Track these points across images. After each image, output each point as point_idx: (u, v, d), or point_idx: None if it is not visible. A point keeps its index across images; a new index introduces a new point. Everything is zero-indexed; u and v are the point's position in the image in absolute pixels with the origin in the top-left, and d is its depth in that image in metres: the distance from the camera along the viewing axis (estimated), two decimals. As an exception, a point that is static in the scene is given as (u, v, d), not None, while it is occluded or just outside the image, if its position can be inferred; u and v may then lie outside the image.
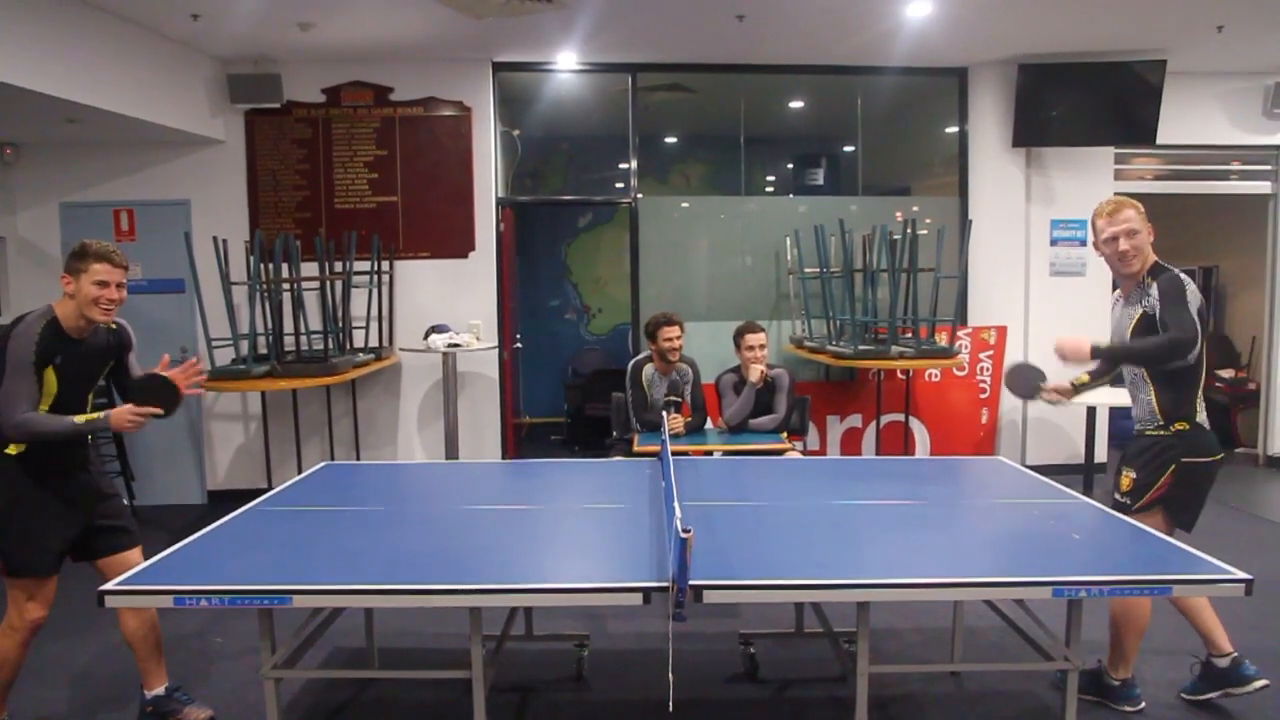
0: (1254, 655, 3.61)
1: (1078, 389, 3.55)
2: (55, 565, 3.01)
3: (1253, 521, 5.85)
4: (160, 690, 3.29)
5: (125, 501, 3.31)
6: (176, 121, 5.80)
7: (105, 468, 3.21)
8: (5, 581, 2.99)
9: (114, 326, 3.18)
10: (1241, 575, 2.35)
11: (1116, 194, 6.85)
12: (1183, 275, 3.07)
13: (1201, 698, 3.28)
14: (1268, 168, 7.31)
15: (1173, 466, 3.10)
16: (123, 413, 2.99)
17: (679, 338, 5.10)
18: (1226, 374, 7.86)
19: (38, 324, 2.92)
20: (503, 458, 6.76)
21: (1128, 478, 3.18)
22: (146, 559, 2.68)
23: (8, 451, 2.91)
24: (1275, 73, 6.91)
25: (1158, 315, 3.03)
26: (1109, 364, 3.39)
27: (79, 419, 2.93)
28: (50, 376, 2.95)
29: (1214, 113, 7.07)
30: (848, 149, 7.87)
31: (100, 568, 3.09)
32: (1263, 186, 7.33)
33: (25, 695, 3.39)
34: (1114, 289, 3.38)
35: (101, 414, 2.99)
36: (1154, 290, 3.07)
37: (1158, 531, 2.88)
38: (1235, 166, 7.33)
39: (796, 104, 8.05)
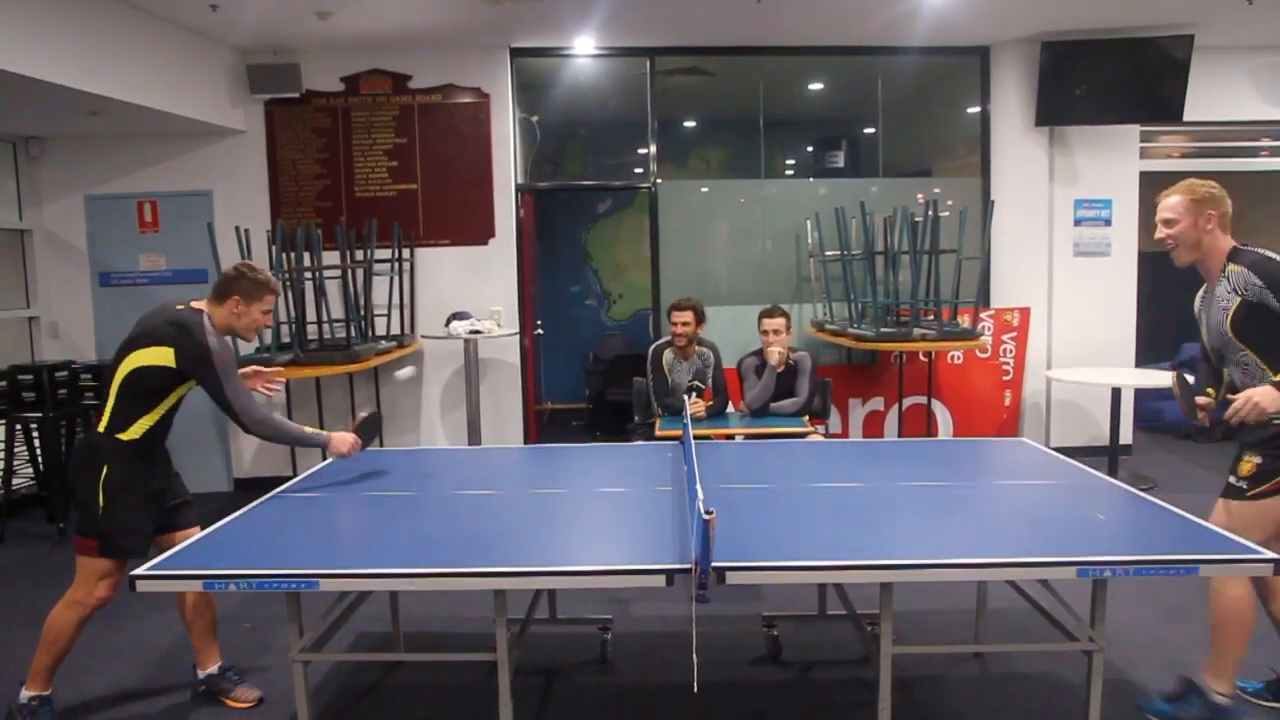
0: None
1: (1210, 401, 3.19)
2: (148, 547, 3.08)
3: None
4: (214, 669, 3.41)
5: None
6: (197, 112, 5.84)
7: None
8: (82, 560, 3.07)
9: None
10: (1269, 555, 2.33)
11: (1143, 173, 6.85)
12: (1271, 255, 2.86)
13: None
14: (1297, 143, 7.19)
15: None
16: (346, 439, 3.36)
17: (686, 324, 5.06)
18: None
19: (215, 332, 3.11)
20: (525, 443, 6.79)
21: (1250, 463, 2.91)
22: (175, 545, 2.72)
23: (120, 437, 3.03)
24: (1305, 46, 6.79)
25: (1275, 305, 2.77)
26: None
27: (308, 429, 3.30)
28: (182, 388, 3.16)
29: (1243, 88, 6.95)
30: (868, 131, 7.80)
31: (169, 542, 3.12)
32: (1293, 163, 7.22)
33: (63, 678, 3.44)
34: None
35: (325, 433, 3.33)
36: (1246, 278, 2.83)
37: (1265, 523, 2.81)
38: (1265, 143, 7.21)
39: (816, 86, 7.99)
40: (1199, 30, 6.26)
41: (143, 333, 3.06)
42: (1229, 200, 3.00)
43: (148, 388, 3.06)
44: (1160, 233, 3.05)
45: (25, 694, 3.13)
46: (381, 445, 5.62)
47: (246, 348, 5.78)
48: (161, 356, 3.02)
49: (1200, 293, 3.12)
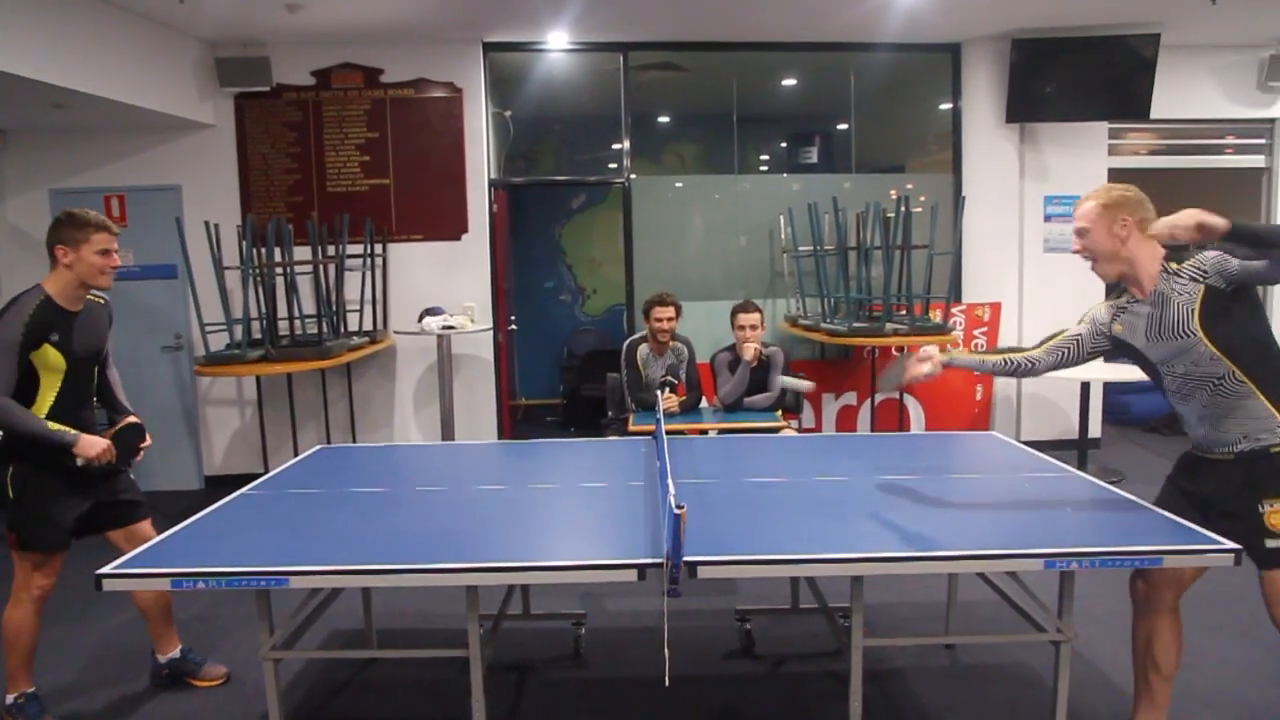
0: (1243, 626, 3.66)
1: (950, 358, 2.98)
2: (66, 540, 3.09)
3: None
4: (175, 653, 3.47)
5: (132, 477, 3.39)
6: (165, 106, 5.76)
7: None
8: (14, 555, 3.06)
9: (103, 301, 3.27)
10: (1231, 545, 2.37)
11: (1111, 170, 6.94)
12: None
13: None
14: (1262, 141, 7.30)
15: None
16: (97, 444, 3.02)
17: (670, 320, 5.09)
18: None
19: (30, 304, 2.97)
20: (499, 439, 6.77)
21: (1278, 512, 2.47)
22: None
23: None
24: (1270, 45, 6.89)
25: (1239, 267, 2.41)
26: (1249, 244, 2.38)
27: (53, 426, 2.97)
28: (52, 353, 3.00)
29: (1208, 86, 7.05)
30: (841, 126, 7.84)
31: (112, 539, 3.19)
32: (1257, 160, 7.33)
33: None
34: (1109, 295, 2.83)
35: (74, 433, 3.00)
36: (1203, 261, 2.50)
37: None
38: (1230, 141, 7.32)
39: (789, 82, 8.02)
40: (1165, 29, 6.34)
41: None
42: (1149, 204, 2.64)
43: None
44: (1075, 245, 2.72)
45: (10, 696, 3.12)
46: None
47: (217, 342, 5.73)
48: None
49: (1108, 307, 2.79)
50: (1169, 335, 2.57)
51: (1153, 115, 6.60)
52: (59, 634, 3.90)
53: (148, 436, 3.33)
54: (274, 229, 5.70)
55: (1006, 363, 2.92)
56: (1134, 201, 2.64)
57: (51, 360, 3.01)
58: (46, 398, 3.05)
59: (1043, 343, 2.91)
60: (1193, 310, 2.51)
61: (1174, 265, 2.57)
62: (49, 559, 3.07)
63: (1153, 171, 7.40)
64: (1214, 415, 2.56)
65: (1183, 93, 6.93)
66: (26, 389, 3.00)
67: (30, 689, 3.15)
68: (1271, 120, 7.18)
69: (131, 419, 3.30)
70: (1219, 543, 2.39)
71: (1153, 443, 7.36)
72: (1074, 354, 2.84)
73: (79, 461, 2.99)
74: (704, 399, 5.33)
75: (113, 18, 5.25)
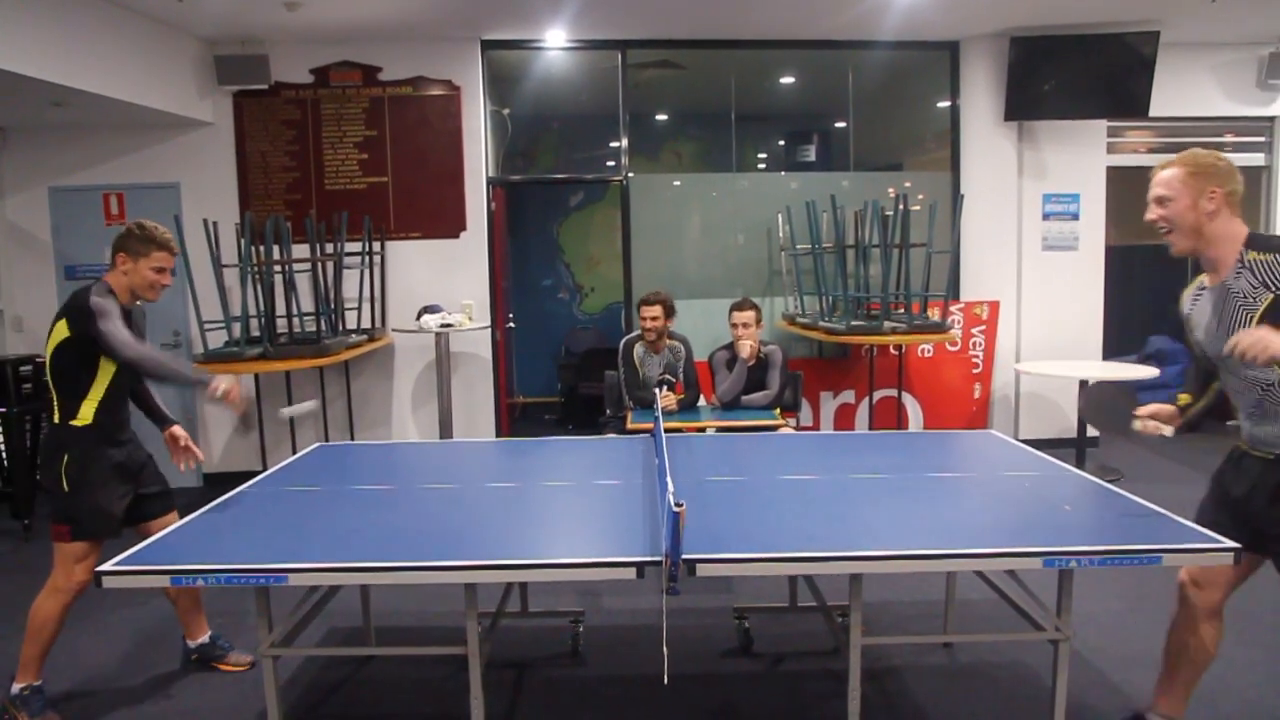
0: (1242, 624, 3.66)
1: (1185, 411, 2.72)
2: (119, 528, 3.20)
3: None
4: (204, 639, 3.61)
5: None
6: (164, 104, 5.76)
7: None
8: (58, 547, 3.14)
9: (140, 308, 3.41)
10: (1230, 544, 2.37)
11: (1110, 168, 6.94)
12: None
13: None
14: (1261, 139, 7.30)
15: None
16: (228, 377, 3.20)
17: (655, 319, 5.08)
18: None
19: (107, 290, 3.15)
20: (496, 437, 6.77)
21: None
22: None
23: (74, 424, 3.12)
24: (1269, 43, 6.89)
25: None
26: None
27: (194, 367, 3.08)
28: None
29: (1207, 84, 7.05)
30: (839, 125, 7.84)
31: (146, 530, 3.25)
32: (1256, 158, 7.33)
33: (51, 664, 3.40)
34: (1194, 274, 2.63)
35: (210, 374, 3.20)
36: (1275, 271, 2.36)
37: None
38: (1229, 139, 7.33)
39: (787, 80, 8.02)
40: (1164, 27, 6.34)
41: (54, 318, 3.14)
42: (1239, 176, 2.48)
43: (69, 368, 3.12)
44: (1152, 213, 2.52)
45: (16, 686, 3.16)
46: (353, 440, 5.59)
47: (216, 340, 5.73)
48: (60, 332, 3.09)
49: (1193, 289, 2.65)
50: (1224, 334, 2.41)
51: (1152, 113, 6.61)
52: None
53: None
54: (272, 227, 5.70)
55: (1217, 394, 2.71)
56: (1224, 172, 2.46)
57: (106, 362, 3.15)
58: (100, 388, 3.16)
59: (1196, 365, 2.73)
60: (1252, 316, 2.37)
61: (1252, 255, 2.39)
62: (94, 550, 3.14)
63: (1152, 169, 7.40)
64: (1260, 415, 2.49)
65: (1182, 90, 6.93)
66: (83, 376, 3.13)
67: (38, 682, 3.18)
68: (1271, 118, 7.18)
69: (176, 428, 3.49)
70: (1219, 541, 2.40)
71: (1151, 442, 7.31)
72: (1203, 356, 2.65)
73: (219, 391, 3.14)
74: (702, 397, 5.33)
75: (112, 16, 5.24)
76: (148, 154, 6.38)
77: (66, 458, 3.10)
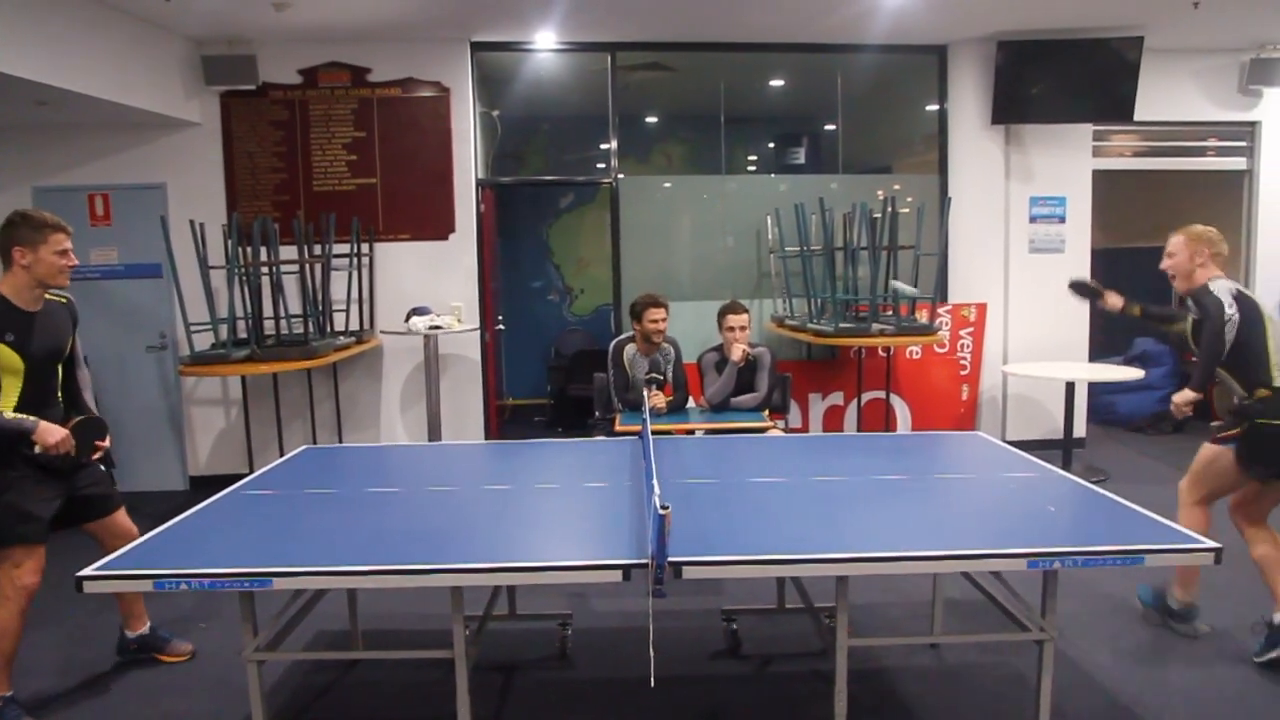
0: (1224, 624, 3.69)
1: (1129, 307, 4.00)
2: (44, 533, 3.10)
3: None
4: (145, 630, 3.63)
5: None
6: (150, 104, 5.72)
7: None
8: None
9: (65, 301, 3.30)
10: (1211, 544, 2.39)
11: (1095, 171, 6.99)
12: (1219, 296, 3.40)
13: (1268, 657, 3.39)
14: (1243, 144, 7.34)
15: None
16: (56, 431, 3.06)
17: (664, 320, 5.10)
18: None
19: None
20: (485, 439, 6.76)
21: None
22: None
23: None
24: (1251, 49, 6.94)
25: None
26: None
27: (9, 414, 3.00)
28: (8, 354, 3.02)
29: (1191, 89, 7.10)
30: (828, 127, 7.86)
31: (90, 531, 3.31)
32: (1238, 162, 7.38)
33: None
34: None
35: (33, 419, 3.04)
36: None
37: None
38: (1211, 143, 7.37)
39: (777, 82, 8.03)
40: (1148, 32, 6.38)
41: None
42: (1224, 243, 3.60)
43: None
44: (1163, 263, 3.67)
45: None
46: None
47: (202, 342, 5.70)
48: None
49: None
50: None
51: (1136, 117, 6.65)
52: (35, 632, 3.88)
53: (108, 435, 3.36)
54: (260, 228, 5.67)
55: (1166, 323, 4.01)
56: (1212, 239, 3.58)
57: (8, 361, 3.02)
58: (9, 398, 3.05)
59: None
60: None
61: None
62: (29, 554, 3.07)
63: (1136, 173, 7.45)
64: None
65: (1166, 95, 6.97)
66: None
67: (8, 693, 3.12)
68: (1252, 123, 7.23)
69: (95, 417, 3.32)
70: (1200, 542, 2.42)
71: (1138, 442, 7.40)
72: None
73: (36, 449, 3.00)
74: (691, 399, 5.33)
75: (97, 15, 5.21)
76: (134, 154, 6.34)
77: None
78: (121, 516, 3.35)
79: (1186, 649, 3.61)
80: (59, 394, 3.26)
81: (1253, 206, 7.38)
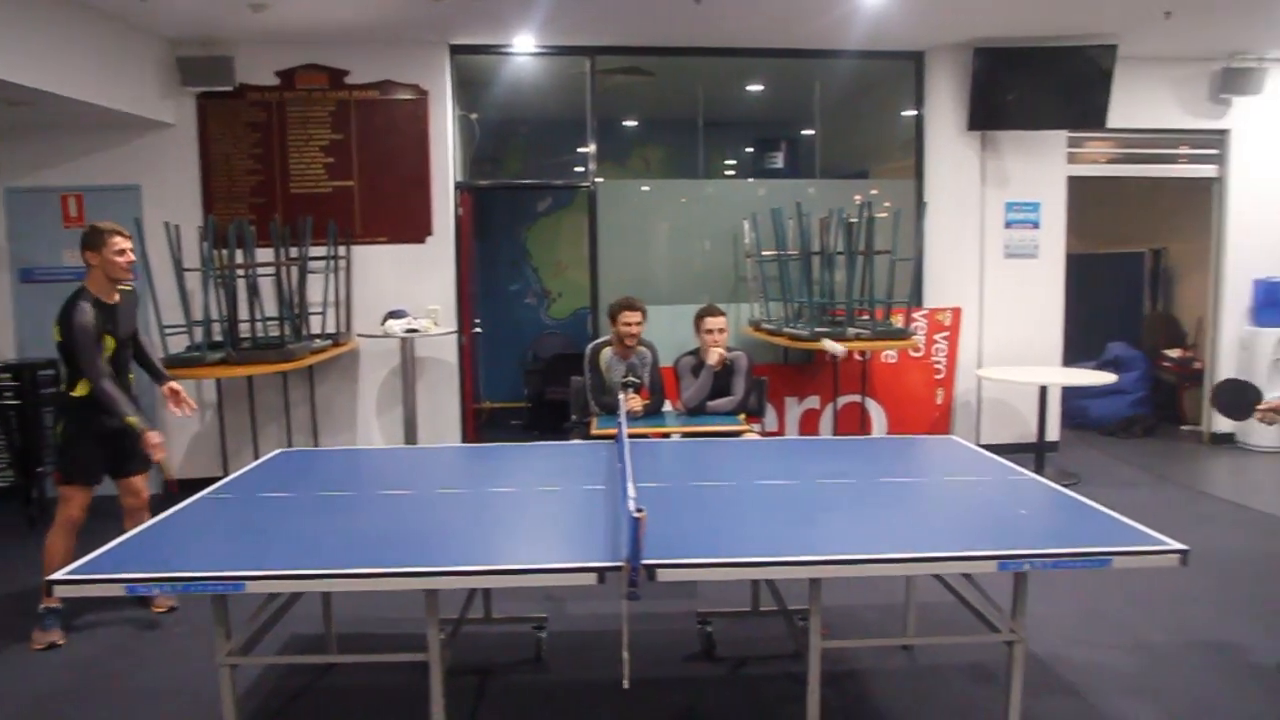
0: (1194, 625, 3.74)
1: None
2: (99, 478, 3.96)
3: (1196, 497, 6.01)
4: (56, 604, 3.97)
5: None
6: (124, 105, 5.67)
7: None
8: (60, 490, 3.89)
9: (131, 289, 4.08)
10: (1178, 546, 2.43)
11: (1070, 177, 7.08)
12: None
13: None
14: (1214, 152, 7.45)
15: None
16: (154, 438, 3.84)
17: (639, 324, 5.10)
18: (1174, 353, 8.04)
19: (87, 301, 3.76)
20: (462, 443, 6.74)
21: None
22: (99, 549, 2.64)
23: (73, 394, 3.83)
24: (1222, 58, 7.05)
25: None
26: None
27: (132, 418, 3.79)
28: (108, 340, 3.84)
29: (1163, 97, 7.19)
30: (806, 132, 7.91)
31: (120, 485, 4.09)
32: (1209, 170, 7.48)
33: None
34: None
35: (145, 424, 3.84)
36: None
37: None
38: (1183, 150, 7.47)
39: (755, 87, 8.07)
40: (1122, 41, 6.46)
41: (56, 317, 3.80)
42: None
43: (68, 357, 3.80)
44: None
45: (41, 606, 3.84)
46: (316, 446, 5.55)
47: (177, 344, 5.66)
48: (57, 334, 3.79)
49: None
50: None
51: (1110, 125, 6.73)
52: None
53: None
54: (235, 230, 5.64)
55: None
56: None
57: (107, 345, 3.84)
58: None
59: None
60: None
61: None
62: (82, 494, 3.87)
63: (1109, 180, 7.54)
64: None
65: (1139, 103, 7.06)
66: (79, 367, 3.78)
67: (57, 604, 3.84)
68: (1223, 131, 7.34)
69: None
70: (1165, 544, 2.46)
71: (1109, 445, 7.48)
72: None
73: (151, 444, 3.85)
74: (667, 402, 5.34)
75: (72, 14, 5.17)
76: (108, 155, 6.28)
77: (62, 423, 3.88)
78: (140, 480, 4.12)
79: (1157, 649, 3.66)
80: (130, 363, 4.10)
81: (1222, 213, 7.48)
